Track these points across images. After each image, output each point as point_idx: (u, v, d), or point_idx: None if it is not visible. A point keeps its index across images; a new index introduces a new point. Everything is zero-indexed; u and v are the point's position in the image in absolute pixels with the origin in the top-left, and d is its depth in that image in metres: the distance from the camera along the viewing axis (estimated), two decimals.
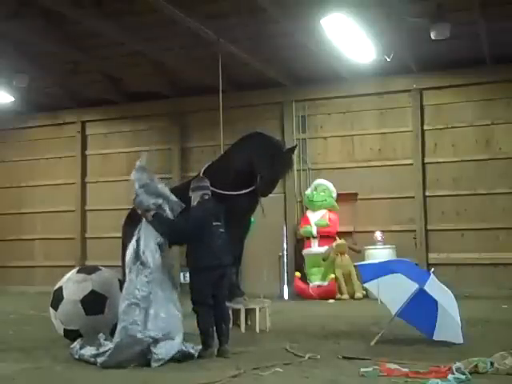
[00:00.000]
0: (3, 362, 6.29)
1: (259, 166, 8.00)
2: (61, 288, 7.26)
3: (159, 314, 6.26)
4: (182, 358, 6.18)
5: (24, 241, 16.42)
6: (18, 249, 16.39)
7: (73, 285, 7.22)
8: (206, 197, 6.84)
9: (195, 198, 6.82)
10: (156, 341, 6.11)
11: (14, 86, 13.55)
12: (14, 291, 15.60)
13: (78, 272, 7.47)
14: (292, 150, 8.52)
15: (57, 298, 7.21)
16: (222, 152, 9.75)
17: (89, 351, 6.29)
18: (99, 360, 6.06)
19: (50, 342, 7.41)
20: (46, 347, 7.08)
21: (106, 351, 6.14)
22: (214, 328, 6.59)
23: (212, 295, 6.56)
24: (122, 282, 7.23)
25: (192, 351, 6.30)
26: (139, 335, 6.10)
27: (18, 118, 16.54)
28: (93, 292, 7.10)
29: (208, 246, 6.52)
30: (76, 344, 6.48)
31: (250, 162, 8.12)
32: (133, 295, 6.26)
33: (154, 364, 6.01)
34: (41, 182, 16.44)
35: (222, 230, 6.74)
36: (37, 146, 16.55)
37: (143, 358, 6.11)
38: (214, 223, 6.67)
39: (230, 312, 7.55)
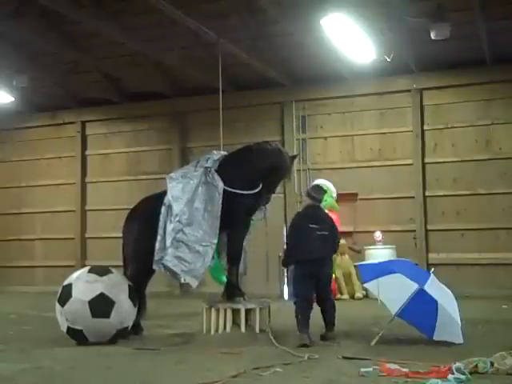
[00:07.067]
0: (3, 362, 6.27)
1: (269, 182, 7.84)
2: (70, 285, 7.20)
3: None
4: None
5: (24, 241, 16.42)
6: (18, 249, 16.39)
7: (83, 284, 7.17)
8: None
9: None
10: None
11: (13, 85, 13.56)
12: (13, 291, 15.60)
13: (90, 272, 7.37)
14: (293, 158, 8.33)
15: (65, 295, 7.17)
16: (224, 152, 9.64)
17: None
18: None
19: (50, 341, 7.40)
20: (46, 347, 7.07)
21: None
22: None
23: None
24: (131, 288, 7.38)
25: None
26: None
27: (18, 117, 16.54)
28: (102, 295, 7.05)
29: None
30: None
31: (261, 174, 7.88)
32: None
33: None
34: (41, 182, 16.44)
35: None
36: (37, 146, 16.55)
37: None
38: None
39: (230, 312, 7.62)
